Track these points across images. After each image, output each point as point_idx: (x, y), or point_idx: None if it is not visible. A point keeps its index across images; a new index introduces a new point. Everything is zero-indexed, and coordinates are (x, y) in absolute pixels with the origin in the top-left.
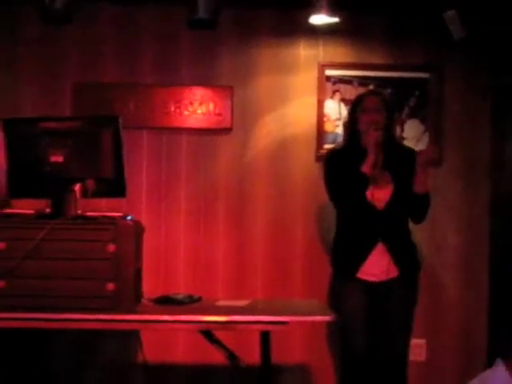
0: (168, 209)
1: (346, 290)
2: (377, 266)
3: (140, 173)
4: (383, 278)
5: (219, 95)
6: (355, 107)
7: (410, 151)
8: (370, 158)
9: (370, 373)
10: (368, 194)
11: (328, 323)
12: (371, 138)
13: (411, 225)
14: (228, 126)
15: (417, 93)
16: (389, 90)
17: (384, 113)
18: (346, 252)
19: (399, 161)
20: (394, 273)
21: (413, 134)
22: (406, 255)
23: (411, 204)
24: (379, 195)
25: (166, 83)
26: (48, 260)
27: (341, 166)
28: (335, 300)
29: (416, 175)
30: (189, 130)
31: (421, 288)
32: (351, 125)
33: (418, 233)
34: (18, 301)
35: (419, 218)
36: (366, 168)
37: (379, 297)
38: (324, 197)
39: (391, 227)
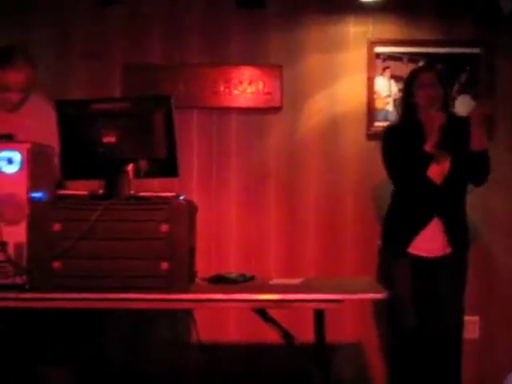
0: (219, 188)
1: (396, 265)
2: (430, 242)
3: (190, 152)
4: (436, 254)
5: (268, 74)
6: (410, 82)
7: (464, 120)
8: (433, 139)
9: (421, 350)
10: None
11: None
12: (436, 119)
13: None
14: (278, 104)
15: (468, 68)
16: (439, 66)
17: (440, 88)
18: (398, 226)
19: (455, 133)
20: (447, 249)
21: (463, 110)
22: (459, 232)
23: (470, 165)
24: (438, 171)
25: (214, 63)
26: (102, 240)
27: (400, 143)
28: (384, 275)
29: (472, 132)
30: (238, 109)
31: (471, 266)
32: (406, 100)
33: (470, 206)
34: (73, 281)
35: (480, 179)
36: (428, 147)
37: (430, 273)
38: (376, 174)
39: (448, 203)
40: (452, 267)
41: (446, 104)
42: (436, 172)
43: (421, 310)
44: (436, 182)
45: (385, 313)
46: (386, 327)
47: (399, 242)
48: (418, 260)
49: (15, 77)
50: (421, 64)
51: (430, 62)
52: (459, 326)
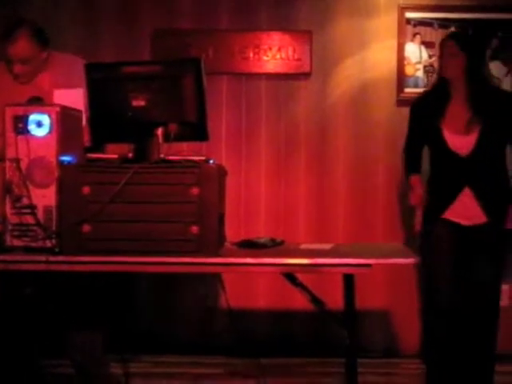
0: (248, 153)
1: (434, 230)
2: (465, 210)
3: (220, 118)
4: (473, 222)
5: (298, 40)
6: (440, 53)
7: (507, 95)
8: None
9: (456, 319)
10: (449, 142)
11: (412, 266)
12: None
13: None
14: (307, 70)
15: (499, 34)
16: (470, 32)
17: (461, 56)
18: (434, 192)
19: (492, 104)
20: (482, 219)
21: (495, 76)
22: (496, 200)
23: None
24: (462, 143)
25: (244, 29)
26: (132, 204)
27: (421, 116)
28: (422, 242)
29: None
30: (268, 75)
31: None
32: (438, 72)
33: None
34: (102, 244)
35: None
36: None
37: (467, 240)
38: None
39: (479, 173)
40: (488, 237)
41: (473, 73)
42: (459, 144)
43: (457, 277)
44: (460, 153)
45: (420, 279)
46: (416, 295)
47: (436, 209)
48: (456, 226)
49: (14, 49)
50: (452, 29)
51: (461, 28)
52: (494, 295)
